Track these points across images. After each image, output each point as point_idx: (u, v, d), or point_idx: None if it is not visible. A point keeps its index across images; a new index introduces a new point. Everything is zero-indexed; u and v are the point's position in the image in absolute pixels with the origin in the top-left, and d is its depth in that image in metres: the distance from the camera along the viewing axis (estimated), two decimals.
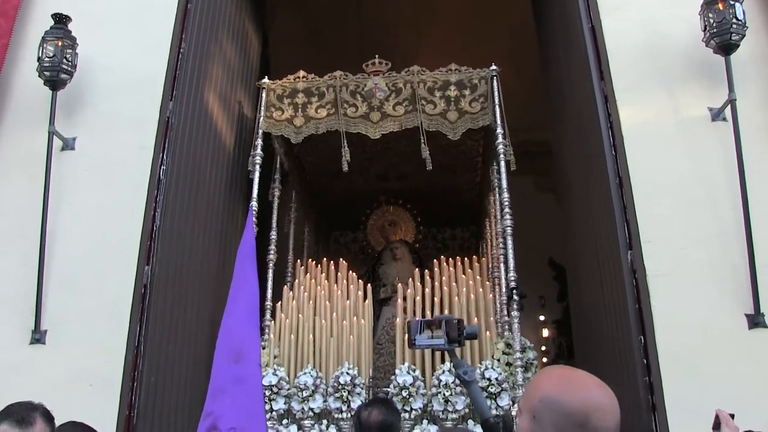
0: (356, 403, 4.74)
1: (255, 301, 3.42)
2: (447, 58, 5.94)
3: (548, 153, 6.63)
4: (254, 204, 5.40)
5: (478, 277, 5.76)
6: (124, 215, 4.56)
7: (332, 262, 6.10)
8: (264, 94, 5.88)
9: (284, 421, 4.89)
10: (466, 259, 6.03)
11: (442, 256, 6.17)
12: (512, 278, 5.11)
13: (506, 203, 5.32)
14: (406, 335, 2.09)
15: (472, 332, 2.03)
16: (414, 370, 4.92)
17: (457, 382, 4.80)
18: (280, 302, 5.50)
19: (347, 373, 4.88)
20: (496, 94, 5.64)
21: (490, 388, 4.72)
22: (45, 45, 4.70)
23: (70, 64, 4.73)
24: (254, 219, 4.78)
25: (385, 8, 8.66)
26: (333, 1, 8.45)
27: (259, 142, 5.72)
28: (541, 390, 1.58)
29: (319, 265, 6.05)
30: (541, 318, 10.38)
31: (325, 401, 4.88)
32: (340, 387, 4.84)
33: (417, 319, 2.18)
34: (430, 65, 5.95)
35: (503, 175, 5.44)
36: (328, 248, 8.56)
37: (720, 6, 4.28)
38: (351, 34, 8.93)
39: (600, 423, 1.50)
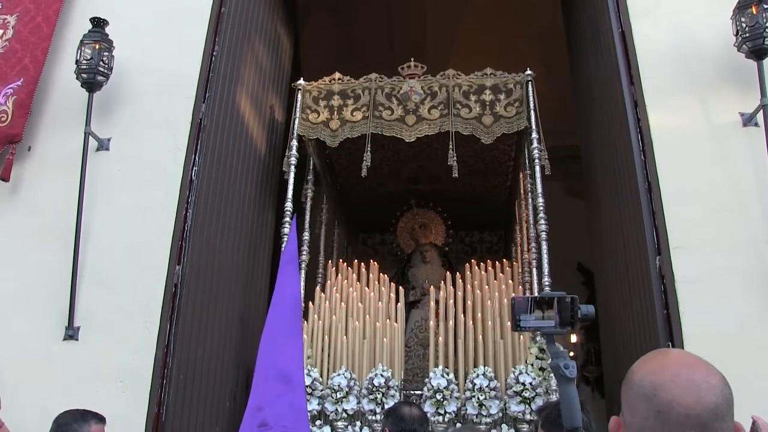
0: (390, 405, 4.76)
1: (298, 309, 3.45)
2: (477, 59, 5.95)
3: (577, 158, 6.60)
4: (289, 205, 5.45)
5: (510, 281, 5.76)
6: (156, 215, 4.65)
7: (363, 263, 6.13)
8: (300, 96, 5.91)
9: (317, 422, 4.92)
10: (497, 263, 6.02)
11: (473, 260, 6.17)
12: (546, 283, 5.09)
13: (541, 208, 5.32)
14: (510, 316, 1.85)
15: (588, 314, 1.74)
16: (448, 373, 4.92)
17: (492, 385, 4.81)
18: (312, 303, 5.54)
19: (381, 375, 4.90)
20: (531, 98, 5.62)
21: (524, 393, 4.71)
22: (83, 48, 4.82)
23: (106, 66, 4.84)
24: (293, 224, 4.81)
25: (415, 9, 8.69)
26: (363, 3, 8.50)
27: (294, 143, 5.75)
28: (627, 375, 1.44)
29: (350, 267, 6.08)
30: None
31: (358, 403, 4.90)
32: (374, 389, 4.86)
33: (524, 296, 1.85)
34: (460, 66, 5.96)
35: (538, 180, 5.43)
36: (356, 249, 8.60)
37: (753, 10, 4.24)
38: (381, 36, 8.98)
39: (672, 398, 1.30)
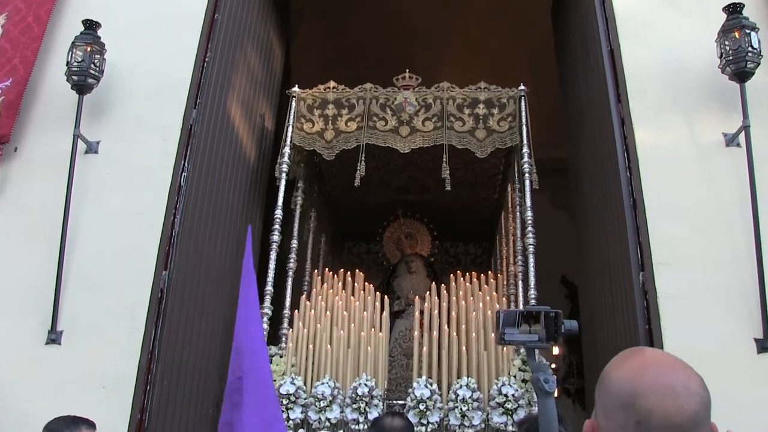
0: (373, 414, 4.77)
1: (260, 329, 3.37)
2: (468, 69, 6.01)
3: (563, 170, 6.67)
4: (279, 213, 5.47)
5: (494, 293, 5.80)
6: (143, 220, 4.64)
7: (349, 272, 6.15)
8: (294, 103, 5.92)
9: (300, 431, 4.92)
10: (482, 275, 6.06)
11: (458, 271, 6.21)
12: (532, 296, 5.14)
13: (530, 222, 5.36)
14: (495, 328, 1.81)
15: (571, 329, 1.73)
16: (431, 384, 4.95)
17: (475, 396, 4.84)
18: (297, 311, 5.56)
19: (365, 385, 4.91)
20: (523, 114, 5.69)
21: (507, 404, 4.74)
22: (74, 50, 4.81)
23: (97, 69, 4.84)
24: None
25: (407, 19, 8.74)
26: (355, 11, 8.54)
27: (287, 150, 5.77)
28: (602, 375, 1.37)
29: (335, 276, 6.10)
30: None
31: (342, 412, 4.91)
32: (357, 398, 4.87)
33: (510, 309, 1.88)
34: (451, 75, 6.02)
35: (527, 195, 5.48)
36: (341, 258, 8.62)
37: (736, 34, 4.34)
38: (372, 45, 9.02)
39: (652, 408, 1.23)
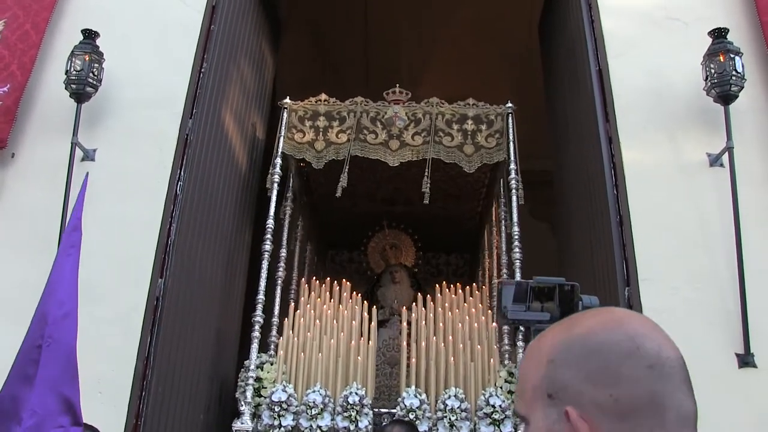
0: (363, 422, 4.87)
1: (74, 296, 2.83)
2: (451, 80, 6.09)
3: (545, 182, 6.80)
4: (271, 222, 5.54)
5: (479, 305, 5.92)
6: (139, 228, 4.70)
7: (335, 281, 6.24)
8: (285, 114, 5.99)
9: None
10: (467, 287, 6.18)
11: (443, 282, 6.32)
12: None
13: (516, 237, 5.47)
14: (496, 302, 1.34)
15: (591, 305, 1.43)
16: (420, 394, 5.05)
17: (463, 407, 4.94)
18: (287, 319, 5.63)
19: (356, 393, 5.00)
20: (511, 131, 5.80)
21: (494, 415, 4.86)
22: (73, 59, 4.86)
23: (96, 78, 4.89)
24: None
25: (391, 29, 8.85)
26: (340, 21, 8.65)
27: (279, 161, 5.83)
28: (547, 348, 1.01)
29: (323, 284, 6.18)
30: None
31: (332, 420, 4.98)
32: (348, 406, 4.96)
33: (517, 280, 1.45)
34: (434, 85, 6.13)
35: (514, 210, 5.60)
36: (324, 266, 8.69)
37: (721, 58, 4.51)
38: (357, 55, 9.13)
39: (659, 348, 0.98)
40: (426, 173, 5.61)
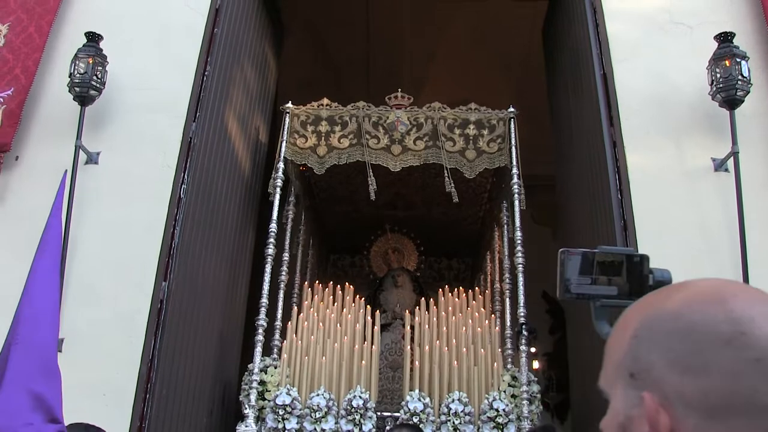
0: (367, 426, 4.88)
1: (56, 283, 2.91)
2: (452, 85, 6.08)
3: (546, 187, 6.79)
4: (274, 227, 5.53)
5: (482, 309, 5.92)
6: (143, 231, 4.70)
7: (338, 286, 6.23)
8: (287, 119, 5.97)
9: None
10: (470, 291, 6.18)
11: (446, 286, 6.32)
12: (522, 314, 5.25)
13: (519, 241, 5.46)
14: (558, 275, 1.31)
15: (663, 279, 1.29)
16: (424, 397, 5.04)
17: (467, 410, 4.94)
18: (290, 322, 5.63)
19: (360, 397, 5.00)
20: (513, 136, 5.79)
21: (498, 419, 4.86)
22: (77, 62, 4.86)
23: (99, 81, 4.89)
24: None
25: (393, 32, 8.86)
26: (341, 24, 8.65)
27: (281, 165, 5.81)
28: (633, 322, 0.87)
29: (326, 289, 6.18)
30: (532, 350, 10.50)
31: (336, 423, 4.98)
32: (353, 410, 4.95)
33: (582, 250, 1.30)
34: (436, 90, 6.11)
35: (517, 214, 5.57)
36: (325, 271, 8.69)
37: (727, 63, 4.50)
38: (358, 58, 9.14)
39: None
40: (447, 174, 5.63)
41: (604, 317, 1.25)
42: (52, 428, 2.41)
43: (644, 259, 1.26)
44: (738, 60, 4.49)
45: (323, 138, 5.91)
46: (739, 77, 4.44)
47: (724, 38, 4.58)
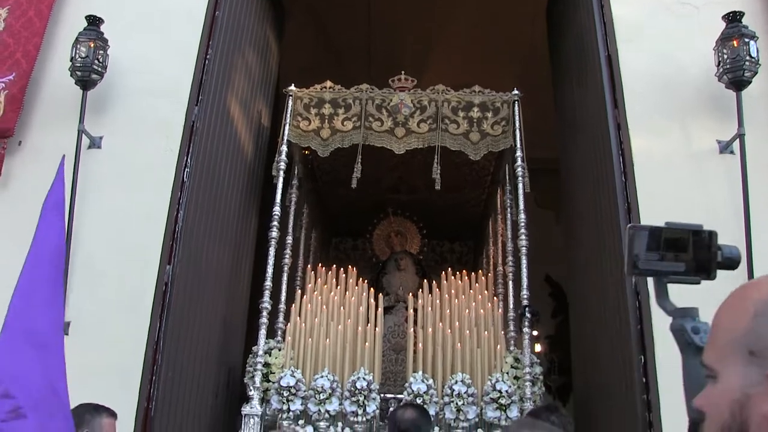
0: (371, 407, 4.92)
1: (61, 265, 2.79)
2: (455, 68, 6.03)
3: (549, 171, 6.77)
4: (277, 209, 5.52)
5: (485, 291, 5.92)
6: (147, 215, 4.70)
7: (342, 268, 6.24)
8: (290, 102, 5.94)
9: (300, 422, 5.02)
10: (473, 273, 6.18)
11: (449, 269, 6.32)
12: (525, 296, 5.25)
13: (522, 224, 5.46)
14: (626, 252, 1.26)
15: (732, 256, 1.27)
16: (428, 379, 5.06)
17: (470, 392, 4.96)
18: (294, 305, 5.64)
19: (364, 379, 5.02)
20: (517, 118, 5.76)
21: (501, 400, 4.89)
22: (78, 45, 4.83)
23: (101, 65, 4.87)
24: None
25: (394, 15, 8.79)
26: (342, 7, 8.59)
27: (284, 148, 5.78)
28: (756, 299, 0.88)
29: (330, 271, 6.18)
30: (535, 333, 10.52)
31: (340, 404, 5.01)
32: (356, 391, 4.98)
33: (650, 226, 1.26)
34: (438, 72, 6.06)
35: (521, 198, 5.57)
36: (327, 254, 8.70)
37: (735, 43, 4.45)
38: (359, 42, 9.08)
39: None
40: (435, 160, 5.60)
41: (666, 294, 1.26)
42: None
43: (712, 235, 1.24)
44: (747, 40, 4.43)
45: (326, 121, 5.88)
46: (747, 57, 4.39)
47: (733, 18, 4.52)
